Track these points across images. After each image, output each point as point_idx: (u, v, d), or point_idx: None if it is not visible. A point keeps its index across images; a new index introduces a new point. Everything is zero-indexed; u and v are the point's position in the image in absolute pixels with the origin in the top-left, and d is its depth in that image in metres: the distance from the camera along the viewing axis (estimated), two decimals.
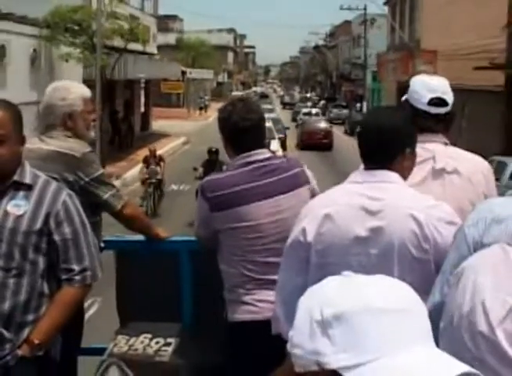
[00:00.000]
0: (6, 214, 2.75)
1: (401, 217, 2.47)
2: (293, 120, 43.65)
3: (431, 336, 1.10)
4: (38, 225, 2.77)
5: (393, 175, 2.56)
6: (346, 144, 32.92)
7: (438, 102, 3.09)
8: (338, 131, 40.45)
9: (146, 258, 3.80)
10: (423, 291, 2.22)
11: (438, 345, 1.13)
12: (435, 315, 1.96)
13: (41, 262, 2.80)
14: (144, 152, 24.82)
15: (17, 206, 2.76)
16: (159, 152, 18.91)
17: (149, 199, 15.14)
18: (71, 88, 3.63)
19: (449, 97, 3.13)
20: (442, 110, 3.11)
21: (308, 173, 3.24)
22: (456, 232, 2.17)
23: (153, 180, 15.43)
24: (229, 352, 3.16)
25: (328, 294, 1.09)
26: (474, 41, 25.68)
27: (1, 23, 15.25)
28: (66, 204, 2.81)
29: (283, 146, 21.78)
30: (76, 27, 18.17)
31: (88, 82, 19.83)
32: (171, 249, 3.76)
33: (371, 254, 2.48)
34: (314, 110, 45.68)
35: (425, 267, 2.47)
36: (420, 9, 34.23)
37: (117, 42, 20.42)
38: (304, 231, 2.55)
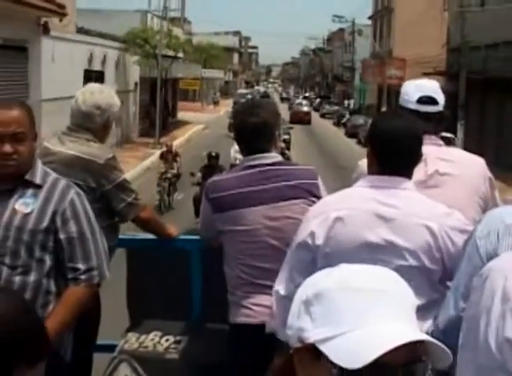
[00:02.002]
0: (14, 212, 2.72)
1: (414, 226, 2.44)
2: (289, 108, 56.34)
3: (409, 318, 1.13)
4: (45, 223, 2.73)
5: (407, 182, 2.53)
6: (319, 123, 51.28)
7: (427, 100, 3.06)
8: (328, 123, 49.96)
9: (157, 257, 3.82)
10: (426, 299, 2.42)
11: (455, 360, 1.20)
12: (450, 330, 2.04)
13: (48, 260, 2.77)
14: (177, 132, 33.75)
15: (25, 204, 2.74)
16: (187, 134, 27.19)
17: (164, 193, 15.42)
18: (114, 95, 3.66)
19: (439, 97, 3.11)
20: (432, 109, 3.07)
21: (321, 186, 3.10)
22: (465, 244, 2.19)
23: (169, 175, 15.66)
24: (228, 352, 3.18)
25: (315, 279, 1.18)
26: (429, 52, 33.99)
27: (102, 40, 23.96)
28: (73, 203, 2.78)
29: (288, 146, 21.63)
30: (142, 42, 27.06)
31: (142, 79, 28.94)
32: (181, 248, 3.75)
33: (379, 260, 2.39)
34: (303, 102, 58.26)
35: (434, 276, 2.47)
36: (392, 25, 42.82)
37: (165, 51, 29.19)
38: (312, 234, 2.51)
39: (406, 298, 1.15)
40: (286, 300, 2.46)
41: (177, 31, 32.79)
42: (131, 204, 3.50)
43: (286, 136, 24.49)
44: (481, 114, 26.27)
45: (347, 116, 45.46)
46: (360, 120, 38.44)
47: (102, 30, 24.46)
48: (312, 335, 1.12)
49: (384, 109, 40.05)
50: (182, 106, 47.28)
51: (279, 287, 2.64)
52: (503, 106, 24.05)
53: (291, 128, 31.61)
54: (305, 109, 52.84)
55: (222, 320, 3.28)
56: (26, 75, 16.56)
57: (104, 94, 3.57)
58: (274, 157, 3.14)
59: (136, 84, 29.49)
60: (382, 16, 47.23)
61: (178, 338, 3.54)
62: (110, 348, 3.56)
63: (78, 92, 3.60)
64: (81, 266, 2.78)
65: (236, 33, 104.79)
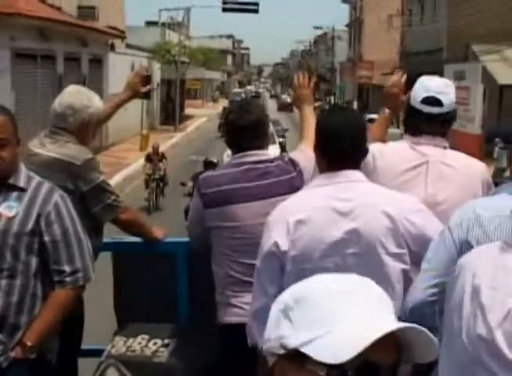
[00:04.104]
0: None
1: (373, 215, 2.50)
2: (277, 101, 69.31)
3: (390, 316, 1.14)
4: (30, 226, 2.74)
5: (357, 174, 2.59)
6: (296, 110, 60.87)
7: (432, 101, 3.03)
8: None
9: (143, 260, 3.80)
10: (399, 284, 2.51)
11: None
12: (414, 310, 2.18)
13: (34, 262, 2.77)
14: (187, 123, 42.29)
15: (9, 207, 2.75)
16: (195, 124, 35.76)
17: (152, 194, 15.67)
18: (94, 96, 3.59)
19: (446, 98, 3.06)
20: (435, 110, 3.04)
21: (305, 174, 3.14)
22: (441, 231, 2.27)
23: (156, 176, 15.87)
24: (220, 353, 3.18)
25: (292, 288, 1.17)
26: (390, 56, 42.23)
27: (137, 52, 32.63)
28: (57, 205, 2.79)
29: (284, 150, 21.59)
30: (164, 52, 35.93)
31: (161, 80, 37.87)
32: (167, 250, 3.75)
33: (346, 254, 2.48)
34: (287, 96, 69.03)
35: (402, 261, 2.52)
36: (362, 33, 51.49)
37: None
38: (276, 244, 2.53)
39: (385, 299, 1.15)
40: (260, 312, 2.52)
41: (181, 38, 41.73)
42: (110, 205, 3.46)
43: (281, 139, 23.49)
44: None
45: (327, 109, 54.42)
46: None
47: (132, 42, 32.93)
48: (294, 340, 1.09)
49: (355, 104, 48.83)
50: (187, 103, 55.83)
51: (252, 301, 2.68)
52: None
53: (286, 130, 30.27)
54: (288, 101, 65.29)
55: (210, 322, 3.25)
56: (101, 77, 25.34)
57: (80, 95, 3.53)
58: (266, 154, 3.21)
59: (158, 84, 38.12)
60: (355, 25, 56.00)
61: (166, 341, 3.51)
62: (97, 352, 3.53)
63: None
64: (66, 269, 2.78)
65: (230, 36, 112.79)
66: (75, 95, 3.53)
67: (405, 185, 2.95)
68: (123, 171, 20.65)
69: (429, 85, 3.10)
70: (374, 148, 3.00)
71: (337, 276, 1.19)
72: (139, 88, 4.14)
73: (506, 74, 24.18)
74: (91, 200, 3.42)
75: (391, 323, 1.09)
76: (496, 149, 19.67)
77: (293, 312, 1.13)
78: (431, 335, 1.11)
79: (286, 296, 1.16)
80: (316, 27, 56.24)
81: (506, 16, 21.00)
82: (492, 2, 21.49)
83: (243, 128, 3.16)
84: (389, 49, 41.34)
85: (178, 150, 28.51)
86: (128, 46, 30.05)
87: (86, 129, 3.54)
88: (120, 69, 27.74)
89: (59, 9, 22.55)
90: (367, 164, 2.91)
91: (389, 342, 1.08)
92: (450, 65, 28.77)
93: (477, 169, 3.10)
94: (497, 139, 20.18)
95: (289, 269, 2.54)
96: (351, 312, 1.10)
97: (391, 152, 3.12)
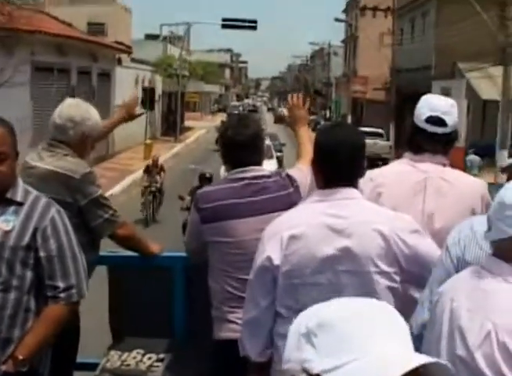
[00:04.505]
0: None
1: (367, 233, 2.50)
2: (273, 114, 71.74)
3: (409, 343, 1.15)
4: (26, 240, 2.74)
5: (353, 191, 2.59)
6: None
7: (436, 120, 3.05)
8: None
9: (139, 274, 3.79)
10: (389, 303, 2.58)
11: None
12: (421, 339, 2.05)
13: (29, 277, 2.76)
14: (188, 134, 44.03)
15: (6, 221, 2.75)
16: (195, 136, 37.56)
17: (149, 206, 15.66)
18: (92, 110, 3.60)
19: (450, 118, 3.08)
20: (439, 130, 3.06)
21: (301, 189, 3.18)
22: (442, 250, 2.31)
23: (153, 188, 15.83)
24: (216, 368, 3.18)
25: (312, 311, 1.18)
26: (382, 72, 44.01)
27: (140, 65, 34.41)
28: (54, 221, 2.78)
29: (281, 164, 21.13)
30: (166, 66, 37.72)
31: (163, 92, 39.80)
32: (164, 264, 3.75)
33: (339, 271, 2.50)
34: (283, 109, 71.65)
35: (392, 279, 2.53)
36: (357, 49, 53.36)
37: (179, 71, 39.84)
38: (269, 258, 2.56)
39: (404, 326, 1.17)
40: (251, 324, 2.64)
41: (176, 51, 43.64)
42: (107, 221, 3.46)
43: (279, 153, 22.65)
44: (403, 116, 36.56)
45: (322, 122, 56.00)
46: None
47: (134, 56, 34.67)
48: (318, 365, 1.10)
49: (349, 118, 50.65)
50: (186, 116, 57.53)
51: (244, 313, 2.74)
52: None
53: (283, 144, 29.68)
54: (284, 113, 68.64)
55: (207, 337, 3.24)
56: (109, 89, 27.09)
57: (79, 108, 3.54)
58: (263, 169, 3.23)
59: (159, 96, 39.86)
60: (350, 41, 57.92)
61: (161, 355, 3.51)
62: (92, 366, 3.54)
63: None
64: (61, 284, 2.77)
65: (228, 50, 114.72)
66: (75, 108, 3.53)
67: (406, 201, 2.97)
68: (130, 177, 22.35)
69: (435, 105, 3.11)
70: (373, 175, 3.12)
71: (358, 301, 1.19)
72: (134, 111, 4.39)
73: (489, 90, 25.89)
74: (89, 214, 3.44)
75: (418, 357, 1.10)
76: (467, 158, 21.38)
77: (317, 338, 1.13)
78: (452, 369, 1.13)
79: (309, 319, 1.16)
80: (312, 43, 58.12)
81: (490, 36, 22.64)
82: (477, 24, 23.15)
83: (242, 144, 3.17)
84: (381, 66, 42.94)
85: (178, 159, 30.24)
86: (133, 60, 31.77)
87: (85, 142, 3.55)
88: (125, 82, 29.51)
89: (70, 25, 24.33)
90: (369, 194, 2.97)
91: (413, 375, 1.07)
92: (437, 81, 30.63)
93: (475, 186, 3.12)
94: (470, 151, 21.95)
95: (281, 282, 2.56)
96: (376, 341, 1.10)
97: (392, 177, 3.15)
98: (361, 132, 2.83)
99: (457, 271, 2.14)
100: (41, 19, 19.41)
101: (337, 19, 47.88)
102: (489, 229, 1.89)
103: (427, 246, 2.60)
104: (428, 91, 31.47)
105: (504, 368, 1.69)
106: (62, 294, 2.81)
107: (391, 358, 1.09)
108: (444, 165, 3.12)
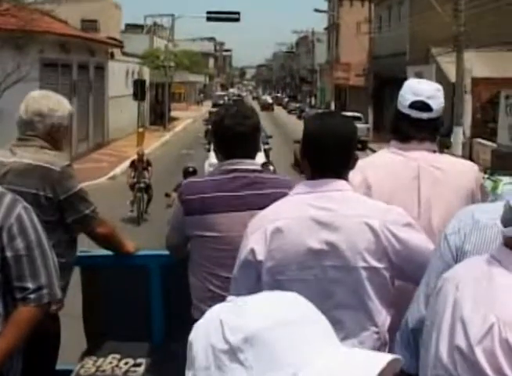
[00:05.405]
0: None
1: (355, 226, 2.45)
2: (258, 102, 77.82)
3: (335, 337, 1.08)
4: None
5: (341, 183, 2.54)
6: (285, 117, 66.75)
7: (421, 106, 3.01)
8: (292, 117, 64.05)
9: (114, 274, 3.72)
10: (380, 300, 2.47)
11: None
12: (420, 329, 2.07)
13: None
14: (175, 123, 47.28)
15: None
16: (182, 125, 41.28)
17: (139, 203, 15.48)
18: (61, 100, 3.57)
19: (435, 103, 3.04)
20: (424, 115, 3.02)
21: None
22: (438, 240, 2.28)
23: (142, 185, 15.62)
24: None
25: (226, 321, 1.05)
26: (363, 58, 47.18)
27: (130, 58, 37.66)
28: (20, 218, 2.68)
29: (268, 158, 20.86)
30: (154, 58, 41.00)
31: (151, 83, 43.16)
32: (140, 264, 3.68)
33: (326, 266, 2.46)
34: (267, 97, 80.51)
35: (382, 275, 2.49)
36: (339, 37, 56.67)
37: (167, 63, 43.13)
38: (252, 251, 2.51)
39: (319, 314, 1.10)
40: None
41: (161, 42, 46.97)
42: (87, 216, 3.43)
43: (266, 146, 22.73)
44: (382, 100, 39.79)
45: (307, 110, 59.28)
46: (313, 112, 52.00)
47: (124, 49, 37.91)
48: None
49: (332, 104, 53.95)
50: (172, 106, 60.43)
51: None
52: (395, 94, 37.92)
53: (270, 137, 29.27)
54: (270, 101, 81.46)
55: (187, 340, 2.54)
56: (103, 82, 30.45)
57: (46, 100, 3.51)
58: (253, 163, 3.18)
59: (147, 87, 43.10)
60: (332, 29, 61.25)
61: (138, 360, 3.46)
62: (66, 373, 3.46)
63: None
64: (30, 285, 2.69)
65: (211, 39, 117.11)
66: (40, 101, 3.49)
67: (399, 193, 2.93)
68: (127, 161, 25.39)
69: (418, 89, 3.06)
70: (362, 167, 2.90)
71: (271, 303, 1.09)
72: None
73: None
74: (69, 208, 3.40)
75: (369, 359, 1.04)
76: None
77: (244, 354, 1.02)
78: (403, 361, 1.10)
79: (228, 334, 1.04)
80: (295, 32, 61.46)
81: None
82: (449, 11, 26.10)
83: (242, 134, 3.10)
84: (363, 53, 46.08)
85: (169, 147, 33.62)
86: (124, 54, 35.01)
87: (57, 134, 3.51)
88: (117, 74, 32.91)
89: (65, 22, 27.57)
90: (358, 187, 2.86)
91: None
92: (412, 67, 33.97)
93: (468, 170, 3.11)
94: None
95: (265, 279, 2.51)
96: (312, 348, 1.03)
97: (381, 168, 3.09)
98: (352, 122, 2.74)
99: (456, 261, 2.14)
100: (47, 20, 22.71)
101: (316, 10, 51.13)
102: (511, 223, 1.82)
103: (420, 240, 2.56)
104: (404, 76, 34.69)
105: (504, 365, 1.67)
106: (32, 296, 2.70)
107: (336, 365, 1.02)
108: (434, 152, 3.08)
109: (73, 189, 3.43)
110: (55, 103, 3.53)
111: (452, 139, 22.77)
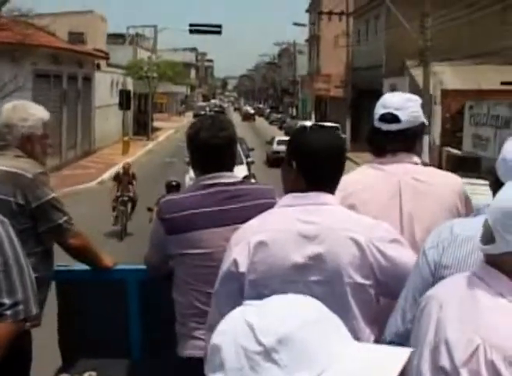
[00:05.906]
0: None
1: (340, 241, 2.45)
2: (240, 113, 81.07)
3: (348, 332, 1.18)
4: None
5: (327, 197, 2.54)
6: (266, 128, 68.06)
7: (390, 118, 3.08)
8: (274, 128, 66.07)
9: (91, 289, 3.69)
10: (364, 317, 2.48)
11: None
12: (397, 343, 2.10)
13: None
14: (158, 133, 49.17)
15: None
16: (164, 135, 43.81)
17: (122, 217, 15.38)
18: (32, 109, 3.63)
19: (404, 113, 3.09)
20: (393, 127, 3.07)
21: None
22: (418, 256, 2.29)
23: (125, 198, 15.58)
24: None
25: (254, 324, 1.14)
26: (342, 70, 49.21)
27: (114, 69, 39.60)
28: None
29: (249, 170, 20.76)
30: (137, 69, 42.98)
31: (134, 94, 45.25)
32: (117, 278, 3.64)
33: (310, 281, 2.45)
34: (248, 108, 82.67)
35: (367, 292, 2.49)
36: (320, 49, 58.85)
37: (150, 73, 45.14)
38: (235, 262, 2.50)
39: (335, 316, 1.19)
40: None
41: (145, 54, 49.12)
42: (60, 226, 3.42)
43: (248, 159, 22.67)
44: (359, 111, 41.80)
45: (288, 121, 61.38)
46: (294, 122, 53.98)
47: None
48: None
49: (312, 115, 56.03)
50: (155, 117, 62.24)
51: (208, 322, 2.64)
52: (373, 105, 40.00)
53: (252, 149, 28.81)
54: (251, 111, 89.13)
55: (166, 356, 3.18)
56: (90, 92, 32.47)
57: (15, 111, 3.57)
58: (233, 176, 3.19)
59: (131, 98, 45.11)
60: (313, 41, 63.45)
61: None
62: None
63: None
64: (6, 301, 2.69)
65: (193, 49, 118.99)
66: (8, 113, 3.57)
67: (381, 208, 2.95)
68: (114, 168, 27.42)
69: (388, 102, 3.13)
70: (341, 185, 2.78)
71: (291, 303, 1.19)
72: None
73: (432, 85, 31.24)
74: (41, 217, 3.41)
75: (393, 352, 1.14)
76: None
77: (279, 355, 1.11)
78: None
79: (260, 336, 1.13)
80: (277, 44, 63.62)
81: (433, 35, 27.52)
82: (416, 27, 28.06)
83: (217, 147, 3.12)
84: (342, 65, 48.29)
85: (153, 155, 35.60)
86: (109, 65, 36.97)
87: (29, 143, 3.57)
88: (103, 85, 34.91)
89: (54, 34, 29.51)
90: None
91: None
92: (388, 79, 36.08)
93: (451, 183, 3.13)
94: None
95: (248, 293, 2.49)
96: (337, 346, 1.13)
97: (362, 185, 3.11)
98: (340, 137, 2.77)
99: (434, 276, 2.17)
100: (41, 34, 24.73)
101: (295, 24, 53.22)
102: (491, 240, 1.80)
103: (407, 257, 2.53)
104: (380, 87, 36.64)
105: None
106: (8, 312, 2.69)
107: (358, 363, 1.11)
108: (415, 164, 3.11)
109: (46, 197, 3.44)
110: (26, 114, 3.59)
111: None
